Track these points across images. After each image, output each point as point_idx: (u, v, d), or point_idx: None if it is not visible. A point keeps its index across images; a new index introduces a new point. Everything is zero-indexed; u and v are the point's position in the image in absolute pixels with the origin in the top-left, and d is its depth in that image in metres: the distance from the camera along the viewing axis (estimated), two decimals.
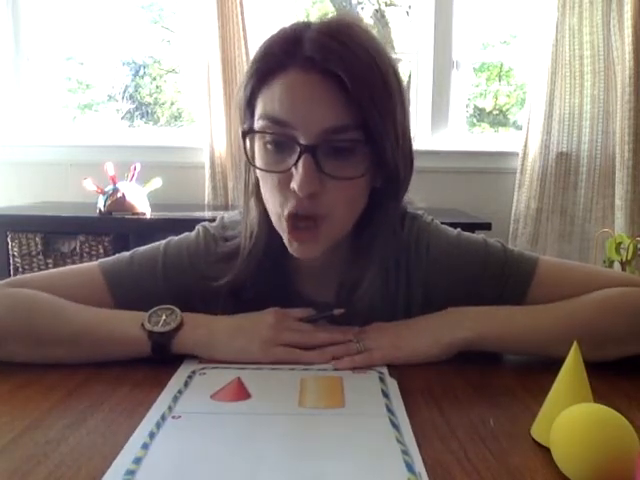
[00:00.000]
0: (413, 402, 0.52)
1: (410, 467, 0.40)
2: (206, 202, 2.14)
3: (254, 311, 0.66)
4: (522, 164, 2.12)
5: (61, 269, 0.71)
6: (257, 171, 0.64)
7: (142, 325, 0.61)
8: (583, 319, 0.63)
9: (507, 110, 2.71)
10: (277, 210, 0.62)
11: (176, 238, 0.73)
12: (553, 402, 0.45)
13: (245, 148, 0.64)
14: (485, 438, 0.46)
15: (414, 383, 0.57)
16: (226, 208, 2.01)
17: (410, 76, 2.35)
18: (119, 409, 0.51)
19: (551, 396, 0.46)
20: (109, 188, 1.75)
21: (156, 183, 1.83)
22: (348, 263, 0.69)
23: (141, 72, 2.60)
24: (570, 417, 0.41)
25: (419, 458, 0.41)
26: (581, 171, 2.08)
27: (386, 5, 2.63)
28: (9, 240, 1.74)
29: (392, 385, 0.55)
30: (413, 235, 0.72)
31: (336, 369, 0.59)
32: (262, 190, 0.64)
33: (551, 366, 0.49)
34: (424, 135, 2.25)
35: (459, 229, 0.74)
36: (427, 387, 0.56)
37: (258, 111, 0.61)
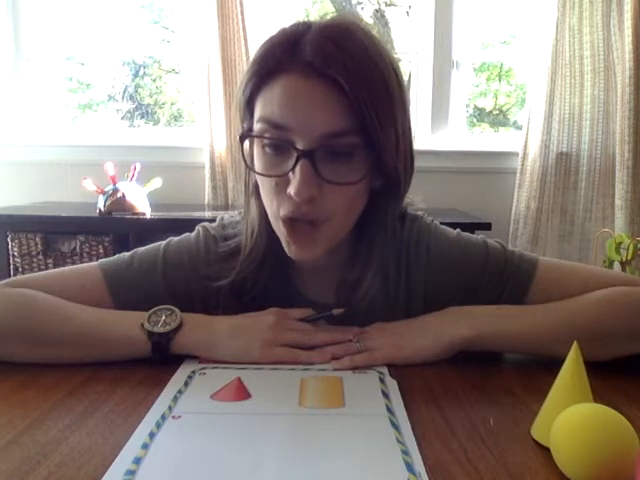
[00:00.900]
0: (413, 402, 0.52)
1: (410, 467, 0.40)
2: (206, 202, 2.14)
3: (254, 311, 0.67)
4: (522, 164, 2.12)
5: (61, 269, 0.71)
6: (256, 174, 0.64)
7: (142, 325, 0.61)
8: (583, 319, 0.63)
9: (507, 110, 2.71)
10: (274, 212, 0.62)
11: (176, 239, 0.73)
12: (553, 402, 0.45)
13: (242, 151, 0.64)
14: (485, 438, 0.46)
15: (414, 383, 0.57)
16: (226, 208, 2.01)
17: (410, 76, 2.35)
18: (119, 409, 0.51)
19: (551, 396, 0.46)
20: (109, 188, 1.75)
21: (156, 183, 1.83)
22: (348, 264, 0.69)
23: (141, 72, 2.60)
24: (570, 417, 0.41)
25: (419, 458, 0.41)
26: (581, 171, 2.08)
27: (386, 5, 2.62)
28: (9, 240, 1.74)
29: (392, 385, 0.55)
30: (413, 236, 0.72)
31: (336, 369, 0.59)
32: (261, 192, 0.64)
33: (551, 366, 0.49)
34: (424, 135, 2.25)
35: (459, 230, 0.74)
36: (427, 387, 0.56)
37: (257, 113, 0.61)
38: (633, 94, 1.94)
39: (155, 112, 2.65)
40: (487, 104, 2.68)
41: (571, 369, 0.45)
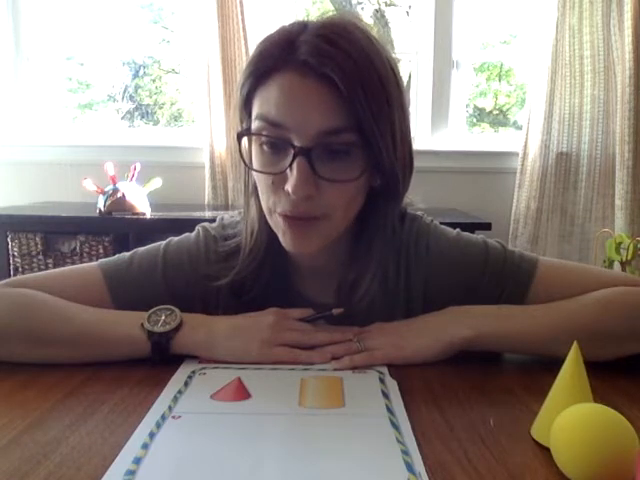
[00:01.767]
0: (413, 402, 0.52)
1: (410, 467, 0.40)
2: (206, 202, 2.14)
3: (254, 311, 0.67)
4: (522, 164, 2.12)
5: (61, 269, 0.71)
6: (253, 171, 0.64)
7: (142, 325, 0.61)
8: (583, 319, 0.63)
9: (507, 110, 2.71)
10: (270, 208, 0.62)
11: (176, 239, 0.73)
12: (553, 402, 0.45)
13: (240, 149, 0.64)
14: (485, 438, 0.46)
15: (414, 383, 0.57)
16: (226, 208, 2.01)
17: (410, 76, 2.35)
18: (119, 409, 0.51)
19: (551, 396, 0.46)
20: (109, 188, 1.75)
21: (156, 183, 1.83)
22: (348, 264, 0.69)
23: (141, 72, 2.60)
24: (570, 417, 0.41)
25: (419, 458, 0.41)
26: (581, 171, 2.08)
27: (386, 5, 2.62)
28: (9, 240, 1.74)
29: (392, 385, 0.55)
30: (413, 236, 0.72)
31: (336, 369, 0.59)
32: (258, 189, 0.65)
33: (551, 366, 0.49)
34: (424, 135, 2.25)
35: (458, 229, 0.74)
36: (427, 387, 0.56)
37: (254, 112, 0.61)
38: (633, 94, 1.94)
39: (155, 112, 2.65)
40: (487, 104, 2.68)
41: (571, 369, 0.45)
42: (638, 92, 1.95)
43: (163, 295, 0.68)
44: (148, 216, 1.77)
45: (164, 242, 0.73)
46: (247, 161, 0.64)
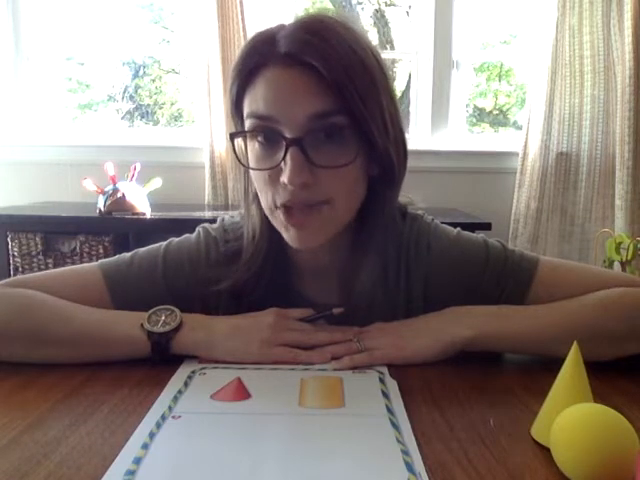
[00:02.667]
0: (413, 402, 0.52)
1: (410, 467, 0.40)
2: (206, 202, 2.14)
3: (254, 312, 0.66)
4: (522, 164, 2.12)
5: (61, 269, 0.71)
6: (251, 171, 0.64)
7: (142, 325, 0.61)
8: (583, 319, 0.63)
9: (507, 110, 2.71)
10: (270, 203, 0.63)
11: (176, 240, 0.73)
12: (553, 402, 0.45)
13: (235, 150, 0.64)
14: (485, 438, 0.46)
15: (414, 383, 0.57)
16: (226, 208, 2.01)
17: (410, 76, 2.35)
18: (119, 409, 0.51)
19: (551, 396, 0.46)
20: (109, 188, 1.75)
21: (156, 183, 1.83)
22: (348, 260, 0.69)
23: (141, 72, 2.60)
24: (570, 417, 0.41)
25: (419, 458, 0.41)
26: (581, 171, 2.08)
27: (386, 5, 2.63)
28: (9, 240, 1.74)
29: (392, 385, 0.55)
30: (413, 235, 0.72)
31: (336, 369, 0.59)
32: (256, 188, 0.65)
33: (551, 366, 0.49)
34: (424, 135, 2.26)
35: (459, 229, 0.74)
36: (427, 387, 0.56)
37: (245, 111, 0.62)
38: (633, 94, 1.94)
39: (155, 112, 2.65)
40: (487, 104, 2.68)
41: (571, 369, 0.45)
42: (638, 92, 1.95)
43: (163, 296, 0.67)
44: (148, 216, 1.77)
45: (164, 243, 0.73)
46: (244, 162, 0.64)
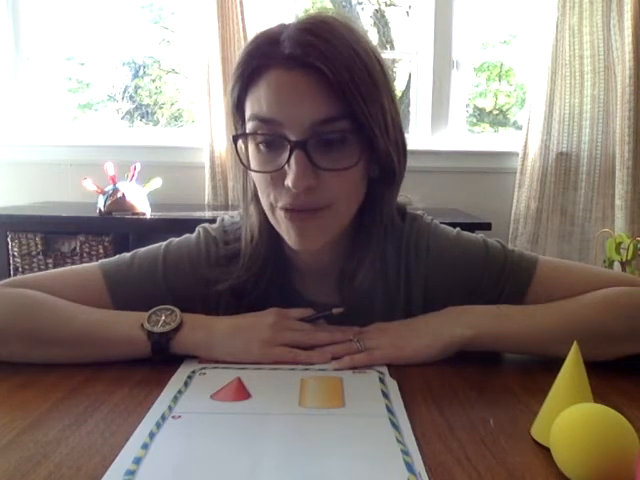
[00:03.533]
0: (413, 402, 0.52)
1: (410, 467, 0.40)
2: (206, 202, 2.14)
3: (255, 312, 0.66)
4: (522, 164, 2.12)
5: (61, 269, 0.71)
6: (252, 173, 0.64)
7: (142, 325, 0.61)
8: (583, 318, 0.63)
9: (507, 110, 2.71)
10: (271, 204, 0.62)
11: (176, 240, 0.73)
12: (553, 402, 0.45)
13: (237, 151, 0.64)
14: (485, 438, 0.46)
15: (414, 383, 0.57)
16: (226, 208, 2.01)
17: (410, 76, 2.35)
18: (119, 409, 0.51)
19: (551, 396, 0.46)
20: (109, 188, 1.75)
21: (156, 183, 1.83)
22: (348, 260, 0.69)
23: (141, 72, 2.60)
24: (570, 417, 0.41)
25: (419, 458, 0.41)
26: (581, 171, 2.08)
27: (386, 5, 2.63)
28: (9, 240, 1.74)
29: (392, 385, 0.55)
30: (413, 235, 0.72)
31: (336, 369, 0.59)
32: (257, 189, 0.65)
33: (551, 366, 0.49)
34: (424, 135, 2.26)
35: (458, 229, 0.74)
36: (427, 387, 0.56)
37: (247, 113, 0.62)
38: (633, 94, 1.94)
39: (155, 112, 2.65)
40: (487, 104, 2.68)
41: (571, 369, 0.45)
42: (638, 92, 1.95)
43: (163, 296, 0.67)
44: (148, 216, 1.77)
45: (164, 243, 0.73)
46: (246, 163, 0.64)
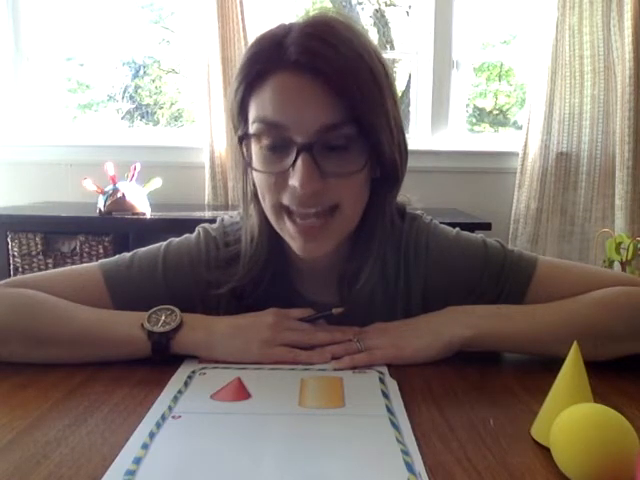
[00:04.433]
0: (413, 402, 0.52)
1: (410, 467, 0.40)
2: (206, 202, 2.14)
3: (255, 312, 0.66)
4: (522, 164, 2.12)
5: (61, 269, 0.71)
6: (254, 174, 0.64)
7: (142, 325, 0.61)
8: (582, 318, 0.63)
9: (507, 110, 2.71)
10: (275, 204, 0.62)
11: (176, 240, 0.73)
12: (553, 402, 0.45)
13: (242, 153, 0.64)
14: (485, 438, 0.46)
15: (414, 383, 0.57)
16: (226, 208, 2.01)
17: (410, 76, 2.35)
18: (119, 409, 0.51)
19: (551, 396, 0.46)
20: (109, 188, 1.75)
21: (156, 183, 1.83)
22: (347, 261, 0.69)
23: (141, 72, 2.60)
24: (570, 417, 0.41)
25: (419, 458, 0.41)
26: (581, 171, 2.08)
27: (386, 5, 2.63)
28: (9, 240, 1.74)
29: (392, 385, 0.55)
30: (413, 235, 0.72)
31: (336, 369, 0.59)
32: (258, 192, 0.65)
33: (551, 366, 0.49)
34: (424, 135, 2.26)
35: (458, 229, 0.74)
36: (427, 387, 0.56)
37: (252, 115, 0.62)
38: (633, 94, 1.94)
39: (155, 112, 2.65)
40: (487, 104, 2.68)
41: (571, 369, 0.45)
42: (638, 92, 1.95)
43: (163, 296, 0.67)
44: (148, 216, 1.77)
45: (164, 243, 0.73)
46: (251, 163, 0.64)
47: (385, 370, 0.59)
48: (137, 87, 2.61)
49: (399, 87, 2.41)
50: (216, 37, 2.03)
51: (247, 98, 0.62)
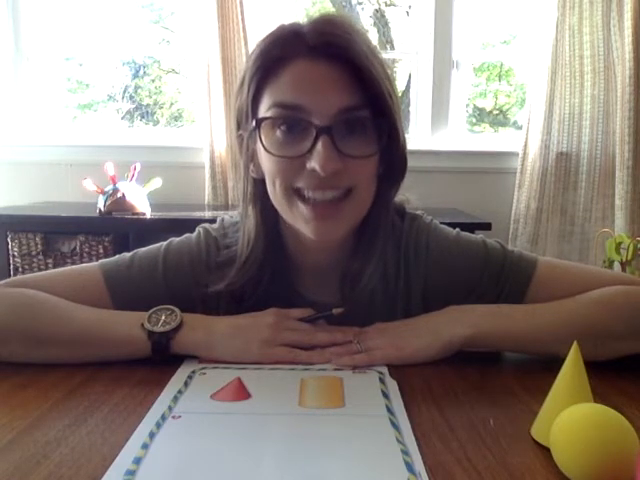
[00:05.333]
0: (413, 402, 0.52)
1: (410, 467, 0.40)
2: (206, 202, 2.14)
3: (255, 312, 0.66)
4: (522, 164, 2.12)
5: (61, 269, 0.71)
6: (264, 161, 0.64)
7: (142, 325, 0.61)
8: (582, 318, 0.63)
9: (507, 110, 2.71)
10: (287, 187, 0.62)
11: (176, 240, 0.73)
12: (553, 402, 0.45)
13: (261, 137, 0.63)
14: (485, 438, 0.46)
15: (414, 383, 0.57)
16: (226, 208, 2.00)
17: (410, 76, 2.35)
18: (119, 409, 0.51)
19: (551, 396, 0.46)
20: (109, 188, 1.75)
21: (156, 183, 1.83)
22: (350, 260, 0.69)
23: (141, 72, 2.60)
24: (570, 417, 0.41)
25: (419, 458, 0.41)
26: (581, 171, 2.08)
27: (386, 5, 2.63)
28: (9, 240, 1.74)
29: (392, 385, 0.55)
30: (413, 235, 0.72)
31: (336, 369, 0.59)
32: (267, 180, 0.64)
33: (551, 366, 0.49)
34: (424, 135, 2.25)
35: (458, 229, 0.74)
36: (427, 387, 0.56)
37: (267, 103, 0.62)
38: (633, 94, 1.94)
39: (155, 112, 2.65)
40: (487, 104, 2.68)
41: (571, 369, 0.45)
42: (638, 92, 1.95)
43: (163, 296, 0.67)
44: (148, 216, 1.77)
45: (165, 243, 0.73)
46: (266, 147, 0.62)
47: (385, 370, 0.59)
48: (137, 87, 2.61)
49: (399, 87, 2.41)
50: (216, 37, 2.03)
51: (262, 88, 0.63)
